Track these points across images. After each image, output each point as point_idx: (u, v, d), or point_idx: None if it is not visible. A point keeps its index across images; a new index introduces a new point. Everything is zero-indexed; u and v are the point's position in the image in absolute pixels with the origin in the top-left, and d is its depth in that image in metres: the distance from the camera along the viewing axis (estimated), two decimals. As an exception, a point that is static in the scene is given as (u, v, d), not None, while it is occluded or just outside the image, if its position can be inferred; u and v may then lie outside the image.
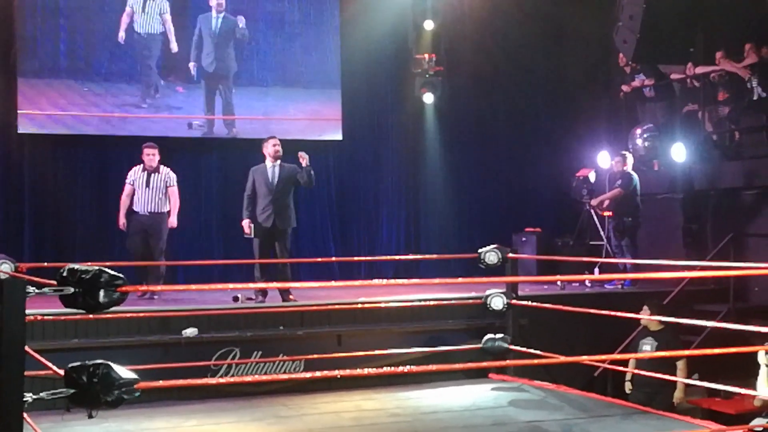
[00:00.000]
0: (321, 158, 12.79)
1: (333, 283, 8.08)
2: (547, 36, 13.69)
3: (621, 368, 8.37)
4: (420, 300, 9.07)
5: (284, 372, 8.34)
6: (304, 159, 9.54)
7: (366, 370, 5.32)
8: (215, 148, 12.39)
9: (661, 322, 8.21)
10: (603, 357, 7.67)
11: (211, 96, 12.15)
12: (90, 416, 6.72)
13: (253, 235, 9.46)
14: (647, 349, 8.35)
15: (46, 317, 7.46)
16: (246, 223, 9.49)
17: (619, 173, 11.30)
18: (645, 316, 8.09)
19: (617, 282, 10.78)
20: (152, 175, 9.91)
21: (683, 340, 8.88)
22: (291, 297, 9.35)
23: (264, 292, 9.48)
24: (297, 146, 11.08)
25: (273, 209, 9.47)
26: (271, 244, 9.53)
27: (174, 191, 10.05)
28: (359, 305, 8.82)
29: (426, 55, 12.93)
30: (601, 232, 11.68)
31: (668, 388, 8.21)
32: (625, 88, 12.63)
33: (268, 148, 9.64)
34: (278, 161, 9.61)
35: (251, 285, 9.26)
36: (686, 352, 7.79)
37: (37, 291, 4.00)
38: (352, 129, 12.92)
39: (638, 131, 12.05)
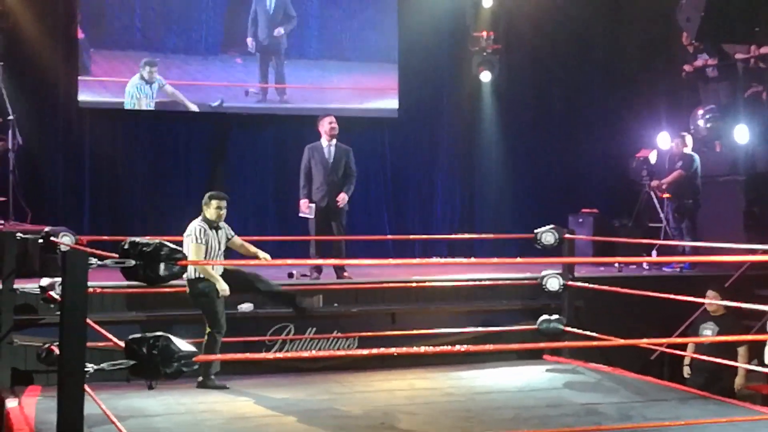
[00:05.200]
0: (377, 135, 12.78)
1: (388, 261, 8.07)
2: (607, 13, 13.46)
3: (679, 352, 8.25)
4: (475, 279, 9.02)
5: (338, 348, 8.36)
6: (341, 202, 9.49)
7: (422, 349, 5.29)
8: (271, 124, 12.44)
9: (723, 306, 8.06)
10: (661, 340, 7.57)
11: (265, 68, 12.40)
12: (150, 387, 6.80)
13: (312, 215, 9.44)
14: (708, 333, 8.20)
15: (105, 290, 7.57)
16: (304, 202, 9.46)
17: (679, 154, 11.11)
18: (710, 301, 7.95)
19: (676, 265, 10.62)
20: (218, 232, 7.62)
21: (744, 325, 8.71)
22: (345, 274, 9.35)
23: (319, 269, 9.49)
24: (354, 122, 11.09)
25: (329, 188, 9.47)
26: (326, 221, 9.52)
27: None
28: (414, 284, 8.80)
29: (484, 33, 12.81)
30: (661, 214, 11.51)
31: (728, 373, 8.07)
32: (687, 67, 12.39)
33: (324, 126, 9.61)
34: (334, 140, 9.59)
35: (308, 261, 9.28)
36: (748, 337, 7.65)
37: (99, 263, 4.05)
38: (408, 106, 12.85)
39: (700, 112, 11.85)
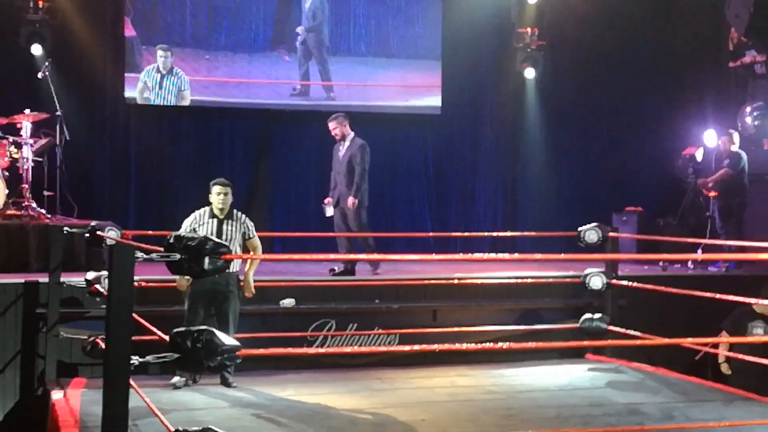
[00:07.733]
0: (420, 132, 12.76)
1: (430, 257, 8.04)
2: (654, 9, 13.30)
3: (722, 352, 8.13)
4: (517, 277, 8.98)
5: (379, 345, 8.37)
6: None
7: (464, 346, 5.28)
8: (316, 121, 12.47)
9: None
10: (706, 339, 7.47)
11: (314, 64, 12.52)
12: (194, 381, 6.83)
13: (329, 214, 9.49)
14: (759, 332, 8.05)
15: (150, 283, 7.64)
16: (327, 200, 9.55)
17: (726, 152, 10.96)
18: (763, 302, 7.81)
19: (722, 264, 10.48)
20: (224, 222, 7.35)
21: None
22: (379, 271, 9.29)
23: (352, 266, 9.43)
24: (397, 119, 11.06)
25: (338, 188, 9.46)
26: (344, 221, 9.47)
27: (257, 244, 7.53)
28: (455, 281, 8.78)
29: (528, 29, 12.76)
30: (707, 213, 11.35)
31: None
32: (734, 64, 12.23)
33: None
34: (347, 141, 9.45)
35: (351, 256, 9.28)
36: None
37: (144, 257, 4.08)
38: (451, 103, 12.82)
39: (748, 109, 11.70)
